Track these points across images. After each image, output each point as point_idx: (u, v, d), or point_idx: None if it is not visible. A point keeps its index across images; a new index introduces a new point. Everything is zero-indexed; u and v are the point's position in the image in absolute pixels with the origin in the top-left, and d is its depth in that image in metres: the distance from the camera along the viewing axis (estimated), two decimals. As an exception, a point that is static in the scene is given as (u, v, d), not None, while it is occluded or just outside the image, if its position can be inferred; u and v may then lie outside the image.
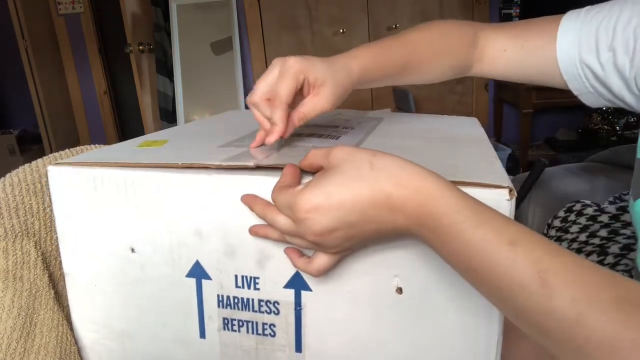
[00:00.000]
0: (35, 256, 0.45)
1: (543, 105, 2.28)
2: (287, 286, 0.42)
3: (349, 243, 0.34)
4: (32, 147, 3.12)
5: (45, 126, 2.81)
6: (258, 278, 0.43)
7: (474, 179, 0.37)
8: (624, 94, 0.48)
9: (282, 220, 0.35)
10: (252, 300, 0.43)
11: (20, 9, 2.60)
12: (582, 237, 0.70)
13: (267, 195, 0.38)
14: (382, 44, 0.53)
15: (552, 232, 0.75)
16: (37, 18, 2.75)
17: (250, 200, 0.39)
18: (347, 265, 0.40)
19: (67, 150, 0.54)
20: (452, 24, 0.57)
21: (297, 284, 0.42)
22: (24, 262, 0.43)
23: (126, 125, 3.15)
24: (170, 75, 2.58)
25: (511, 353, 0.47)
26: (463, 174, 0.38)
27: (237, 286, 0.43)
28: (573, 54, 0.50)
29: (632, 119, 2.49)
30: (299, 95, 0.46)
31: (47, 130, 2.81)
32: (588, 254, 0.66)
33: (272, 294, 0.43)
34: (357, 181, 0.32)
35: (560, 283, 0.27)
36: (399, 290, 0.40)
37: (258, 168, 0.41)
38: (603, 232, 0.69)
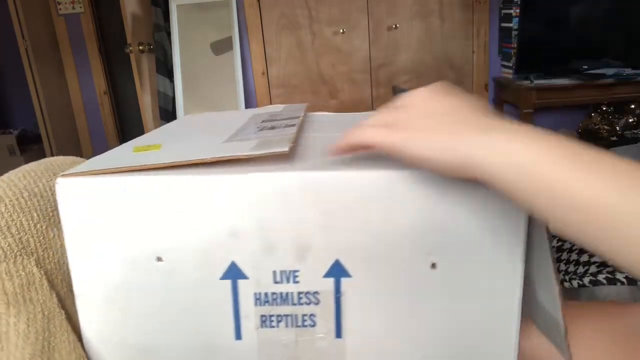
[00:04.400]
0: (40, 276, 0.42)
1: (543, 105, 2.28)
2: (327, 275, 0.42)
3: (432, 120, 0.36)
4: (32, 147, 3.12)
5: (45, 126, 2.81)
6: (297, 271, 0.42)
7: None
8: None
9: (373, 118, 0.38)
10: (292, 294, 0.43)
11: (20, 9, 2.60)
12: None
13: (299, 190, 0.40)
14: None
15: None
16: (37, 18, 2.75)
17: (341, 146, 0.40)
18: (385, 248, 0.41)
19: (39, 161, 0.50)
20: None
21: (336, 272, 0.42)
22: (29, 284, 0.41)
23: (126, 125, 3.15)
24: (170, 75, 2.58)
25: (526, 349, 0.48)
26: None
27: (275, 282, 0.43)
28: None
29: (632, 119, 2.49)
30: None
31: (47, 130, 2.81)
32: (591, 255, 0.66)
33: (311, 285, 0.43)
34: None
35: None
36: (433, 266, 0.41)
37: (291, 158, 0.42)
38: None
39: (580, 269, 0.66)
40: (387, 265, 0.42)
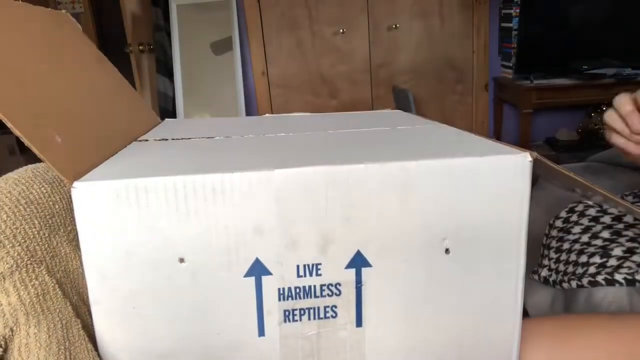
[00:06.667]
0: (52, 284, 0.41)
1: (543, 105, 2.28)
2: (348, 266, 0.43)
3: None
4: (32, 147, 3.11)
5: (45, 126, 2.80)
6: (320, 264, 0.43)
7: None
8: None
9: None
10: (314, 286, 0.44)
11: (20, 9, 2.60)
12: (585, 238, 0.70)
13: (322, 184, 0.41)
14: None
15: (554, 232, 0.75)
16: (37, 18, 2.74)
17: (622, 100, 0.54)
18: (403, 235, 0.43)
19: (22, 168, 0.48)
20: None
21: (358, 262, 0.43)
22: (44, 293, 0.40)
23: (126, 125, 3.15)
24: (170, 75, 2.58)
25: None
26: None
27: (298, 276, 0.43)
28: None
29: (632, 119, 2.48)
30: None
31: (47, 131, 2.81)
32: (590, 256, 0.66)
33: (333, 277, 0.44)
34: None
35: None
36: (447, 251, 0.44)
37: None
38: (605, 234, 0.69)
39: (579, 270, 0.66)
40: (405, 252, 0.44)
